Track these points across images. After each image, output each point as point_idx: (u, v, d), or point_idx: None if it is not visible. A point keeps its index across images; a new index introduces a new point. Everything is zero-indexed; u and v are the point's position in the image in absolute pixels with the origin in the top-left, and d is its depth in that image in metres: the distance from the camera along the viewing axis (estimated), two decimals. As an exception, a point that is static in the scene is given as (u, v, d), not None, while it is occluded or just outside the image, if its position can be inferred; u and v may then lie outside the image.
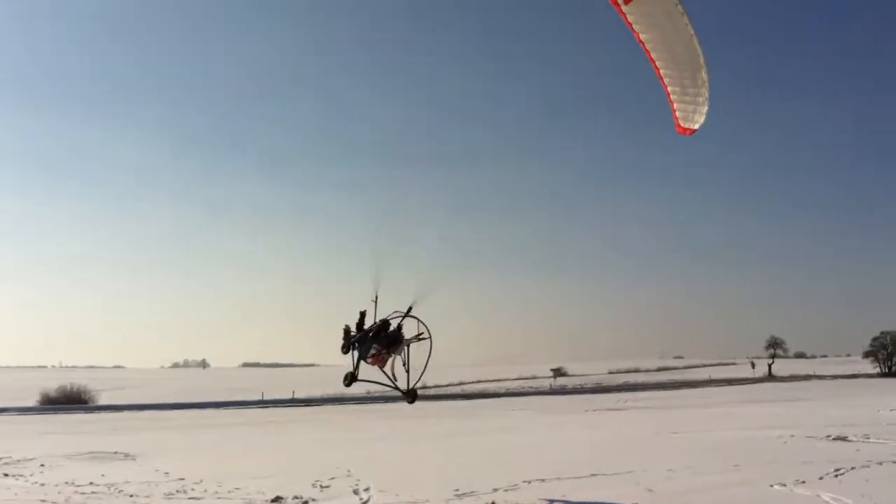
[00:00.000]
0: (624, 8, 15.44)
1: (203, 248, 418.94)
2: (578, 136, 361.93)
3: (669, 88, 16.67)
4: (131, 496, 21.42)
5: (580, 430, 43.38)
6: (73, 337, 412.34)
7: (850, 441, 32.27)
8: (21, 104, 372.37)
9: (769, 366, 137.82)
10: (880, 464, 25.03)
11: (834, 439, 32.93)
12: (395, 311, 15.02)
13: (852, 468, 23.87)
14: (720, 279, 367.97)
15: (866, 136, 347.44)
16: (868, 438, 32.92)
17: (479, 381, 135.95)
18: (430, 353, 14.92)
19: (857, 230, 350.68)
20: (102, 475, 25.58)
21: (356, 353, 15.23)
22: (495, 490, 20.83)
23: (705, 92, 16.33)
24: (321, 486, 22.31)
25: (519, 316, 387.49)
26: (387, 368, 15.38)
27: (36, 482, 24.21)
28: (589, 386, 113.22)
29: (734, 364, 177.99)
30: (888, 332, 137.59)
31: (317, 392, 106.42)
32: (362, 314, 15.22)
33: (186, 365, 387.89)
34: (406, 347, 15.12)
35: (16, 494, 21.95)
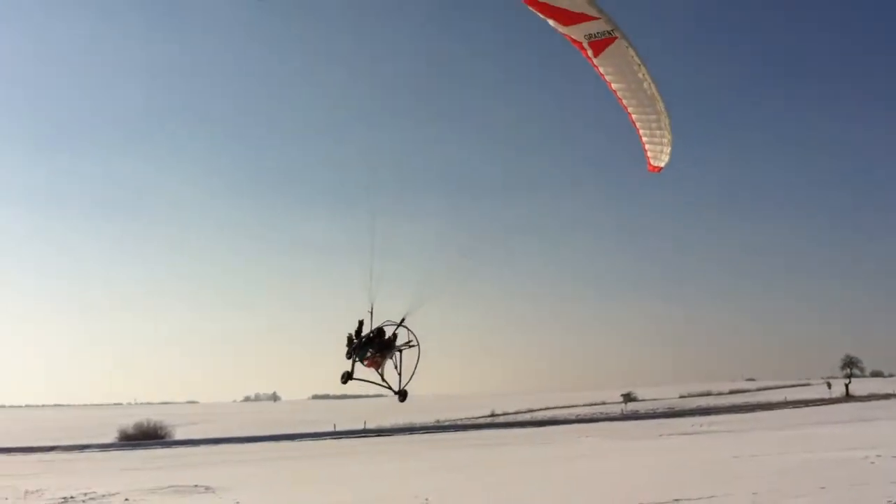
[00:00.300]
0: (595, 61, 17.22)
1: (271, 284, 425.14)
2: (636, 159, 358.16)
3: (641, 132, 18.45)
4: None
5: (656, 455, 42.66)
6: (147, 374, 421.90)
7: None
8: (82, 147, 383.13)
9: (846, 385, 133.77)
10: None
11: (922, 459, 31.89)
12: (388, 321, 16.70)
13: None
14: (791, 299, 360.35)
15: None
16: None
17: (548, 408, 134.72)
18: (417, 358, 16.74)
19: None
20: (185, 508, 26.01)
21: (355, 357, 16.86)
22: (576, 517, 20.64)
23: (668, 134, 18.10)
24: (401, 515, 22.36)
25: (586, 341, 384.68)
26: (381, 371, 16.97)
27: (122, 516, 24.73)
28: (661, 411, 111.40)
29: (809, 385, 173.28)
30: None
31: (386, 422, 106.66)
32: (360, 322, 16.75)
33: (258, 398, 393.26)
34: (399, 353, 16.75)
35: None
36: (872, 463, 31.32)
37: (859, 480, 25.73)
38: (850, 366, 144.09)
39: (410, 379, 16.93)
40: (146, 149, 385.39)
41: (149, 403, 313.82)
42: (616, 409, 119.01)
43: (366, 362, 16.61)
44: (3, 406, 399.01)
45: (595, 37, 16.93)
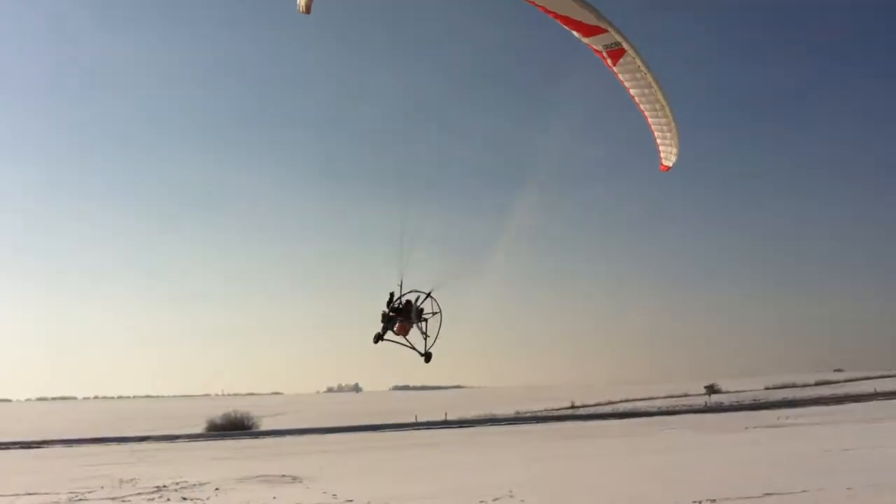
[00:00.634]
0: (613, 69, 19.24)
1: (352, 276, 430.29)
2: (714, 154, 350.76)
3: (655, 134, 20.44)
4: (305, 517, 22.14)
5: (742, 448, 41.84)
6: (234, 365, 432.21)
7: None
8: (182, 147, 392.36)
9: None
10: None
11: None
12: (413, 290, 19.16)
13: None
14: (879, 287, 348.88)
15: None
16: None
17: (629, 400, 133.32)
18: (440, 324, 19.25)
19: None
20: (274, 497, 26.59)
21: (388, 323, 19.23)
22: (664, 510, 20.43)
23: (675, 137, 20.12)
24: (486, 506, 22.45)
25: (668, 332, 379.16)
26: (408, 335, 19.34)
27: (214, 505, 25.39)
28: (746, 403, 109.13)
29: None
30: None
31: (467, 413, 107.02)
32: (391, 294, 19.11)
33: (340, 389, 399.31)
34: (424, 321, 19.16)
35: (198, 516, 23.08)
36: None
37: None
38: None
39: (434, 342, 19.27)
40: (230, 149, 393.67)
41: (236, 394, 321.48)
42: (699, 401, 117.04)
43: (396, 328, 19.03)
44: (99, 397, 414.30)
45: (610, 47, 18.81)
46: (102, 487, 33.05)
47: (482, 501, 23.40)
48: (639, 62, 18.88)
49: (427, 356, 19.34)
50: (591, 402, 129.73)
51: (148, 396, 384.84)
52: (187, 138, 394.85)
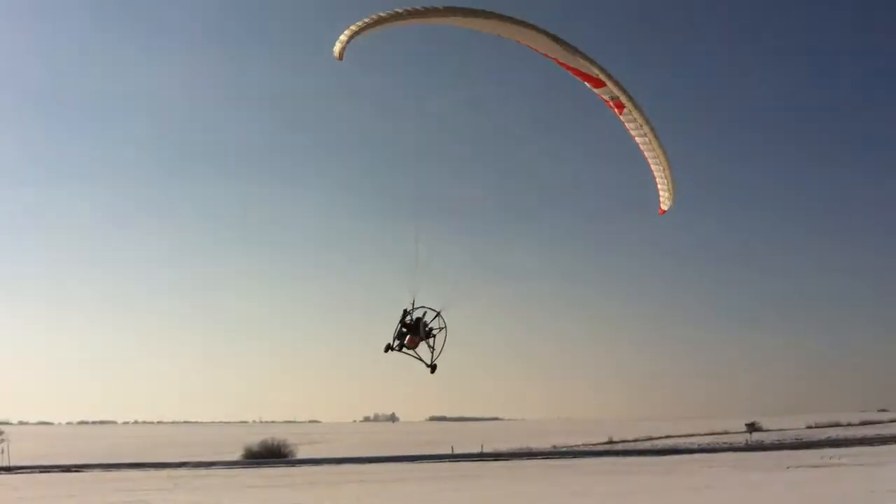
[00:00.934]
0: (620, 118, 20.89)
1: (390, 307, 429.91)
2: (772, 186, 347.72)
3: (656, 180, 22.20)
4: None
5: (785, 487, 41.11)
6: (272, 393, 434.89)
7: None
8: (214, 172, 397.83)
9: None
10: None
11: None
12: (422, 306, 21.01)
13: None
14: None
15: None
16: None
17: (668, 437, 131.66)
18: (444, 339, 21.20)
19: None
20: (310, 527, 26.57)
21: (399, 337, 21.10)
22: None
23: (671, 184, 22.04)
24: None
25: (709, 368, 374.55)
26: (417, 348, 21.08)
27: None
28: (787, 441, 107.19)
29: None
30: None
31: (503, 446, 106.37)
32: (405, 311, 20.94)
33: (377, 418, 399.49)
34: (433, 337, 21.08)
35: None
36: None
37: None
38: None
39: (439, 355, 21.20)
40: (274, 174, 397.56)
41: (272, 422, 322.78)
42: (740, 439, 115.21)
43: (407, 341, 20.91)
44: (138, 422, 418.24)
45: (615, 98, 20.54)
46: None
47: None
48: (636, 115, 20.63)
49: (432, 367, 21.34)
50: (630, 438, 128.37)
51: (186, 422, 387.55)
52: (227, 167, 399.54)
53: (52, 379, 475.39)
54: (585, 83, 20.34)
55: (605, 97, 20.64)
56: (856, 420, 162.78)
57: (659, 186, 22.31)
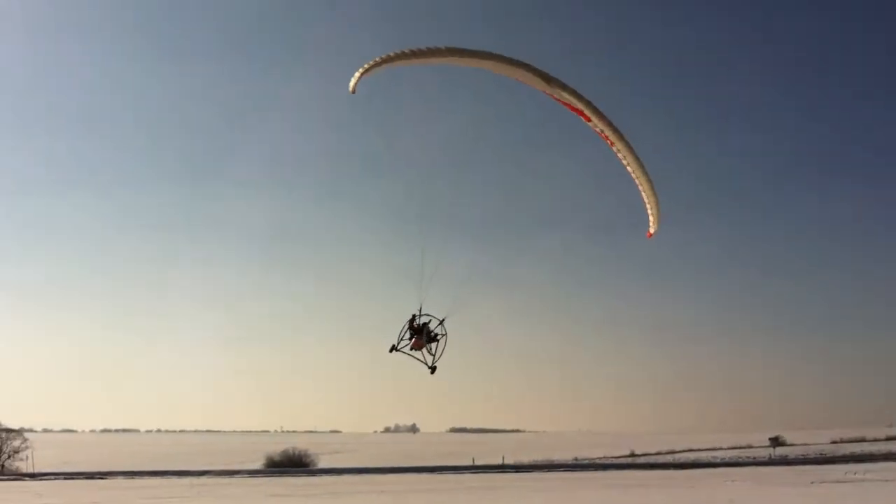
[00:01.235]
0: (613, 148, 22.65)
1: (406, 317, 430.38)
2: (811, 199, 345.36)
3: (647, 205, 23.78)
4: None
5: (808, 503, 40.77)
6: (294, 403, 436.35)
7: None
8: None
9: None
10: None
11: None
12: (426, 313, 23.13)
13: None
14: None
15: None
16: None
17: (691, 450, 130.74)
18: (444, 344, 23.06)
19: None
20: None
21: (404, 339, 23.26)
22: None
23: (657, 210, 23.79)
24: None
25: (732, 381, 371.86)
26: (421, 350, 23.13)
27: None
28: (812, 456, 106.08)
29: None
30: None
31: (524, 458, 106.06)
32: (413, 315, 23.07)
33: (397, 429, 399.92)
34: (435, 341, 23.02)
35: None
36: None
37: None
38: None
39: (439, 358, 23.08)
40: (290, 185, 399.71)
41: (294, 431, 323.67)
42: (763, 454, 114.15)
43: (412, 343, 22.99)
44: (161, 430, 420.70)
45: (602, 131, 22.31)
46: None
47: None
48: (620, 146, 22.47)
49: (433, 369, 23.23)
50: (652, 451, 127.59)
51: (209, 431, 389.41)
52: (254, 179, 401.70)
53: (76, 387, 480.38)
54: (580, 116, 22.06)
55: (596, 129, 22.38)
56: (881, 435, 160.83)
57: (649, 210, 24.03)
